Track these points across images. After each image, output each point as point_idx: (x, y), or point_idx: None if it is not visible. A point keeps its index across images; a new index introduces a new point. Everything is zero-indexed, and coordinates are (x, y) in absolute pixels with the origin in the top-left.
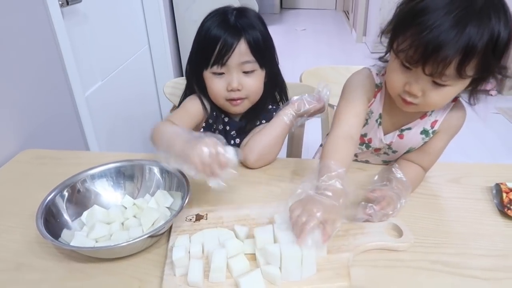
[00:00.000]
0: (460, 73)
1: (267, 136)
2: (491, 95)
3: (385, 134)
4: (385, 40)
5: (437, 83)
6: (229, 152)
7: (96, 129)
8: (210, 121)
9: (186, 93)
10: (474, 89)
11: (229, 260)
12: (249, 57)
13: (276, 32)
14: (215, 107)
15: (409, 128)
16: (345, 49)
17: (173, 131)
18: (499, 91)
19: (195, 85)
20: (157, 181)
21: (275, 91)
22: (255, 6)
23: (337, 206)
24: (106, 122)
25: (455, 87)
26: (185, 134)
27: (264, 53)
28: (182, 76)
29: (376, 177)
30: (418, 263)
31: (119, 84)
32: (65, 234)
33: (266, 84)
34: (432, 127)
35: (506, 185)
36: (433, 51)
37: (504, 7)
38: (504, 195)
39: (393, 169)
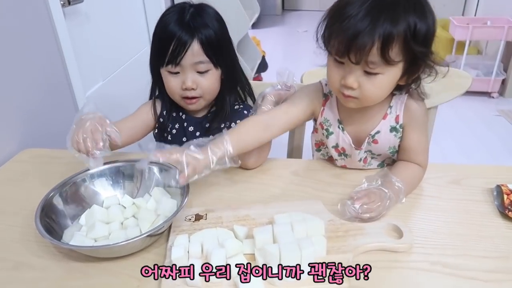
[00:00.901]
0: (385, 59)
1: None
2: (493, 97)
3: (356, 142)
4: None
5: (368, 72)
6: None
7: None
8: (161, 120)
9: (152, 87)
10: (410, 78)
11: (228, 260)
12: (203, 57)
13: (277, 33)
14: (171, 106)
15: (378, 132)
16: None
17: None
18: (501, 93)
19: (156, 79)
20: (157, 180)
21: (234, 89)
22: (256, 8)
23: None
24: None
25: (388, 76)
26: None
27: (219, 52)
28: None
29: (364, 180)
30: (418, 264)
31: (120, 85)
32: (65, 236)
33: (224, 82)
34: (397, 122)
35: (507, 186)
36: (353, 39)
37: (420, 1)
38: (505, 196)
39: (383, 172)
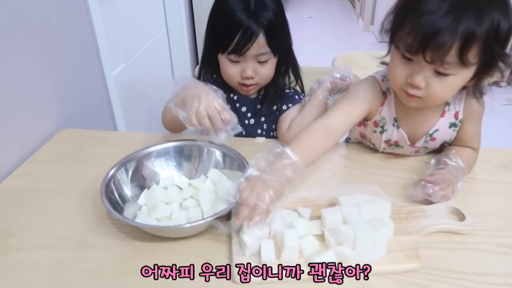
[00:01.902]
0: (462, 60)
1: (309, 117)
2: (501, 86)
3: (411, 139)
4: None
5: (439, 72)
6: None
7: (123, 110)
8: None
9: (200, 72)
10: (479, 82)
11: (300, 240)
12: (265, 48)
13: None
14: (225, 88)
15: (437, 130)
16: (352, 38)
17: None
18: (509, 83)
19: (210, 64)
20: (216, 161)
21: (287, 71)
22: None
23: (283, 194)
24: (128, 103)
25: (458, 77)
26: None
27: (279, 39)
28: (197, 59)
29: (432, 161)
30: (484, 246)
31: (141, 67)
32: (126, 212)
33: (278, 65)
34: (456, 118)
35: None
36: (432, 37)
37: None
38: None
39: (451, 155)
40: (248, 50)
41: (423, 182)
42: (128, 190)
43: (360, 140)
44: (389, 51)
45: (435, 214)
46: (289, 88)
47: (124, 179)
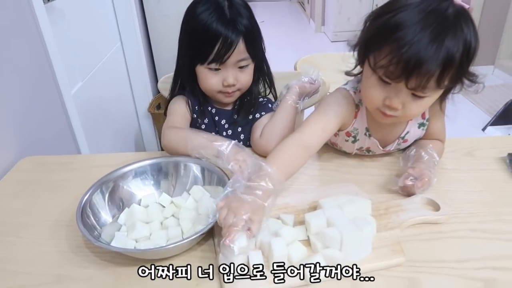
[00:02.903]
0: (439, 85)
1: (280, 122)
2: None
3: (383, 144)
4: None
5: (416, 95)
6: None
7: (84, 130)
8: (195, 115)
9: (174, 87)
10: (444, 97)
11: (287, 247)
12: (245, 54)
13: None
14: (199, 100)
15: (408, 132)
16: (305, 39)
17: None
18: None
19: (186, 77)
20: (195, 177)
21: (261, 78)
22: None
23: (263, 205)
24: (90, 123)
25: (432, 98)
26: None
27: (255, 44)
28: (155, 73)
29: (413, 152)
30: (460, 233)
31: (98, 84)
32: (103, 235)
33: (254, 74)
34: (423, 118)
35: None
36: (415, 67)
37: (469, 16)
38: None
39: (428, 149)
40: (229, 58)
41: (406, 173)
42: (105, 214)
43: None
44: (356, 66)
45: (412, 207)
46: (262, 97)
47: (100, 202)
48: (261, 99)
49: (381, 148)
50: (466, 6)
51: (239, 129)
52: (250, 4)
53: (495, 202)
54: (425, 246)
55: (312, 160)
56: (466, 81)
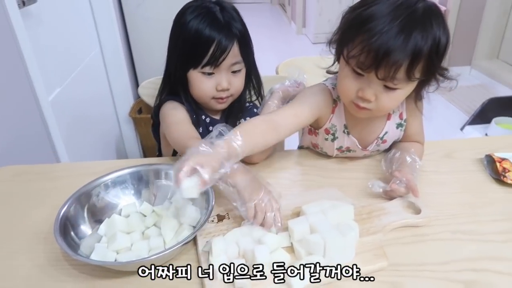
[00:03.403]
0: (409, 76)
1: None
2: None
3: (362, 143)
4: (332, 50)
5: (388, 87)
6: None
7: (63, 138)
8: None
9: (162, 94)
10: (418, 93)
11: (271, 255)
12: (239, 58)
13: None
14: (194, 108)
15: (386, 132)
16: (287, 41)
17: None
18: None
19: (178, 84)
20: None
21: (251, 83)
22: None
23: (212, 153)
24: (69, 130)
25: (404, 90)
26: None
27: (247, 48)
28: (136, 77)
29: (397, 154)
30: (441, 235)
31: (78, 89)
32: (83, 246)
33: (245, 79)
34: (401, 118)
35: (495, 155)
36: (384, 56)
37: (441, 14)
38: (498, 164)
39: (411, 153)
40: (224, 61)
41: (395, 178)
42: (85, 226)
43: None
44: (335, 62)
45: (394, 210)
46: (248, 102)
47: (79, 214)
48: (247, 104)
49: (360, 147)
50: (443, 8)
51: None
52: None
53: (474, 203)
54: (407, 249)
55: (294, 165)
56: (440, 77)
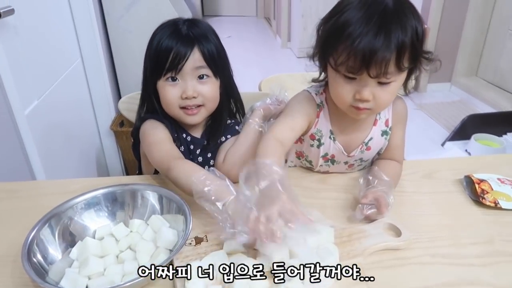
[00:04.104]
0: (399, 67)
1: (243, 147)
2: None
3: (347, 150)
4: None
5: (382, 82)
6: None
7: (40, 153)
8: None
9: (141, 111)
10: (407, 80)
11: (249, 281)
12: (202, 63)
13: None
14: (174, 127)
15: (371, 138)
16: (272, 55)
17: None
18: (416, 89)
19: (152, 100)
20: (152, 207)
21: (230, 103)
22: (188, 13)
23: (290, 196)
24: (47, 145)
25: (398, 81)
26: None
27: (218, 63)
28: (118, 90)
29: (361, 180)
30: (421, 259)
31: (56, 102)
32: (53, 271)
33: (222, 96)
34: (387, 126)
35: (474, 176)
36: (371, 55)
37: (409, 3)
38: (476, 186)
39: (375, 172)
40: (185, 65)
41: (360, 205)
42: (55, 250)
43: (296, 162)
44: (321, 74)
45: (374, 233)
46: (230, 118)
47: (49, 238)
48: (228, 121)
49: (346, 154)
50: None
51: (209, 154)
52: (217, 19)
53: (454, 225)
54: (388, 273)
55: None
56: (424, 61)
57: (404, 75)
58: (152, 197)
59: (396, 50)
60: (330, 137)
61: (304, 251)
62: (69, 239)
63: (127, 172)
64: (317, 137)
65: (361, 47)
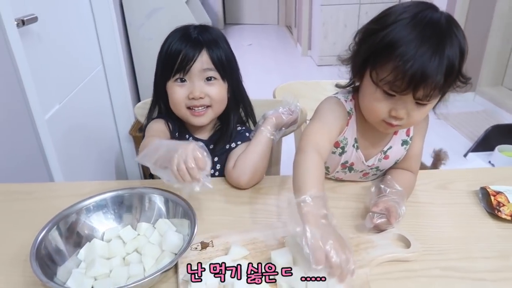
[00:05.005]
0: (443, 92)
1: (254, 154)
2: None
3: (366, 158)
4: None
5: (420, 103)
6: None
7: (59, 156)
8: None
9: (151, 110)
10: (440, 101)
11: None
12: (210, 65)
13: None
14: (178, 127)
15: (391, 147)
16: (292, 63)
17: (158, 142)
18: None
19: (161, 102)
20: (158, 210)
21: (239, 108)
22: (208, 21)
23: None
24: (66, 149)
25: (434, 102)
26: (168, 142)
27: (226, 67)
28: (138, 96)
29: (373, 189)
30: (431, 272)
31: (77, 107)
32: (61, 271)
33: (230, 100)
34: (408, 135)
35: (490, 188)
36: (421, 80)
37: (455, 20)
38: (492, 198)
39: (388, 181)
40: (192, 66)
41: (370, 214)
42: (63, 251)
43: None
44: (351, 79)
45: (383, 243)
46: (240, 125)
47: (57, 239)
48: (239, 128)
49: (365, 163)
50: None
51: (216, 158)
52: (239, 27)
53: (467, 238)
54: (395, 285)
55: (285, 192)
56: (460, 84)
57: (439, 96)
58: (159, 201)
59: (445, 73)
60: (353, 145)
61: (307, 261)
62: (78, 241)
63: (145, 176)
64: (341, 145)
65: (412, 70)
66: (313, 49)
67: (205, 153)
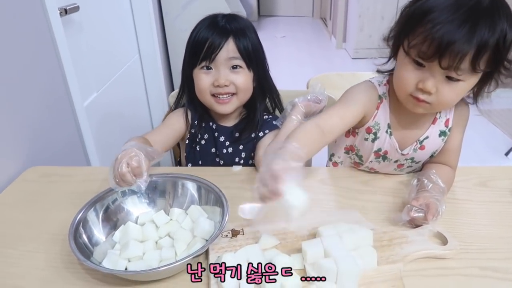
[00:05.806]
0: (474, 67)
1: None
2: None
3: (401, 147)
4: (380, 50)
5: (451, 78)
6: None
7: (96, 142)
8: (193, 130)
9: (179, 97)
10: (480, 89)
11: (281, 277)
12: (236, 54)
13: None
14: (200, 116)
15: (427, 137)
16: (326, 55)
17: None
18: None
19: (187, 88)
20: (191, 196)
21: (265, 97)
22: (243, 13)
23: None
24: (102, 135)
25: (467, 83)
26: (124, 148)
27: (252, 57)
28: (173, 85)
29: (414, 182)
30: (468, 271)
31: (114, 94)
32: (97, 252)
33: (256, 90)
34: (446, 126)
35: None
36: (448, 45)
37: (507, 5)
38: None
39: (432, 175)
40: (218, 54)
41: (408, 206)
42: (99, 232)
43: (344, 157)
44: (390, 59)
45: (418, 239)
46: (267, 114)
47: (94, 220)
48: (265, 117)
49: (400, 152)
50: None
51: (241, 147)
52: (273, 19)
53: (508, 237)
54: (429, 283)
55: (317, 183)
56: (504, 71)
57: (476, 78)
58: (191, 187)
59: (476, 47)
60: (386, 131)
61: (339, 251)
62: (113, 223)
63: (176, 164)
64: (373, 131)
65: (440, 33)
66: (348, 42)
67: (142, 161)
